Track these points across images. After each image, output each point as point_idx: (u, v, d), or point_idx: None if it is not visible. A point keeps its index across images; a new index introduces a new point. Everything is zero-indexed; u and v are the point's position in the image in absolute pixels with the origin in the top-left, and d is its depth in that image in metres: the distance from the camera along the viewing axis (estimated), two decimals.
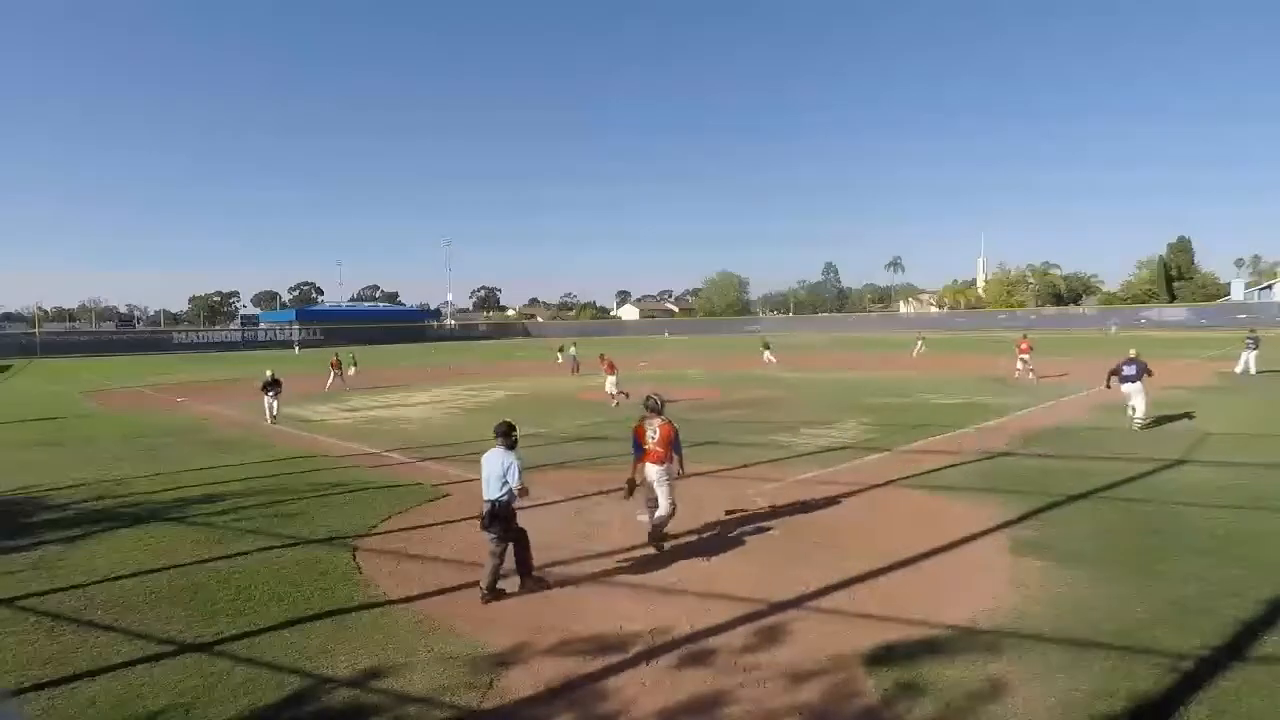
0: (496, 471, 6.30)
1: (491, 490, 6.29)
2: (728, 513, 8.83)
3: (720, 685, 4.72)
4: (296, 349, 68.04)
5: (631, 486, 7.61)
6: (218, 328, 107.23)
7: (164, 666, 5.12)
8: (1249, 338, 24.06)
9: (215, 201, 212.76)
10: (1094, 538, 7.51)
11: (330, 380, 26.90)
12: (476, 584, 6.32)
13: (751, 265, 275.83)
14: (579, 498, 9.73)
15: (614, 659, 5.13)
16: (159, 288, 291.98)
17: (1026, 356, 24.31)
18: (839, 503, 9.28)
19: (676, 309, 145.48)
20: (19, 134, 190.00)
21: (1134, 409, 14.31)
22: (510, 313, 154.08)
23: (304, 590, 6.51)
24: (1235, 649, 5.02)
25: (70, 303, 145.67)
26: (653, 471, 7.45)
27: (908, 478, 10.54)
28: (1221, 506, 8.50)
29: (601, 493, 9.80)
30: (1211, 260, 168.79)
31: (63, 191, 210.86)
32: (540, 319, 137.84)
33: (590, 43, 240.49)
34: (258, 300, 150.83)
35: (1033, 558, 6.92)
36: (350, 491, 10.35)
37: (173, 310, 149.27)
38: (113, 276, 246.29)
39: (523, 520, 6.60)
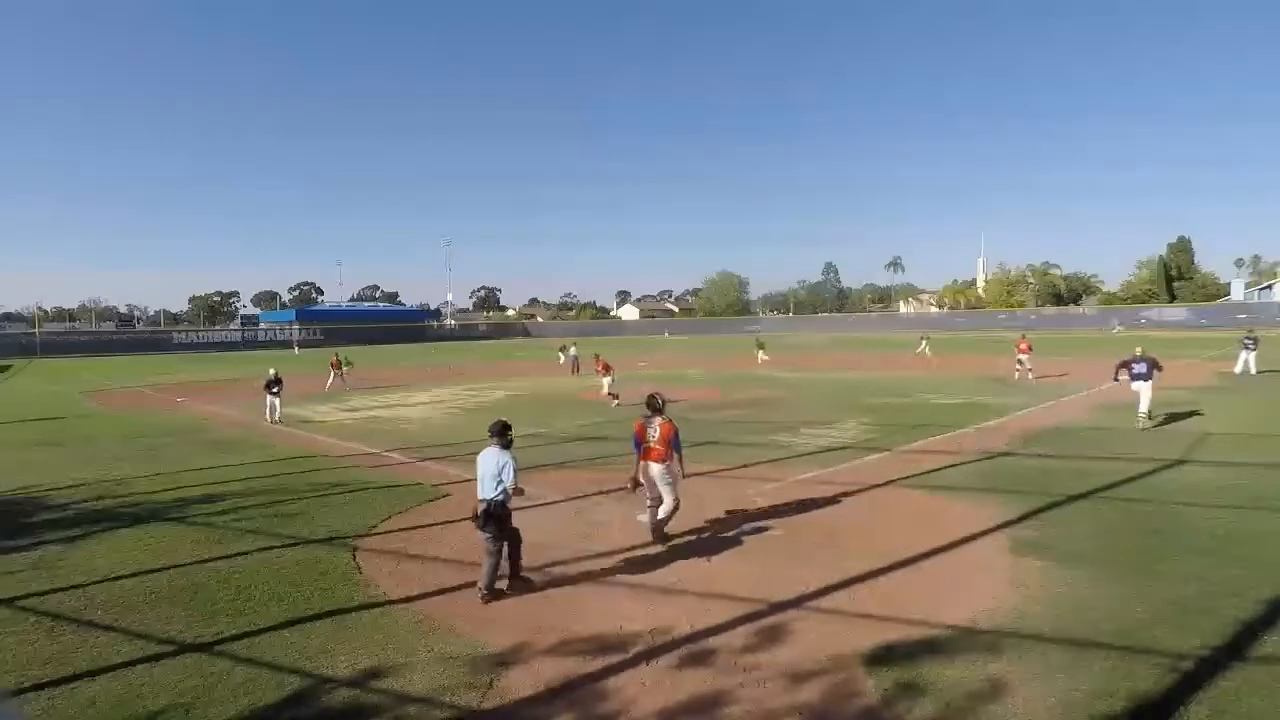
0: (491, 470, 6.30)
1: (486, 490, 6.29)
2: (728, 512, 8.83)
3: (720, 685, 4.72)
4: (296, 349, 68.01)
5: (635, 484, 7.71)
6: (218, 328, 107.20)
7: (164, 666, 5.12)
8: (1246, 338, 24.08)
9: (215, 201, 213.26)
10: (1094, 538, 7.51)
11: (330, 380, 26.90)
12: (476, 584, 6.32)
13: (751, 265, 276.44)
14: (579, 498, 9.73)
15: (614, 659, 5.13)
16: (159, 288, 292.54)
17: (1023, 357, 24.32)
18: (839, 503, 9.29)
19: (676, 309, 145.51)
20: (19, 134, 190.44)
21: (1142, 411, 14.46)
22: (510, 313, 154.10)
23: (304, 590, 6.51)
24: (1235, 649, 5.02)
25: (70, 303, 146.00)
26: (656, 470, 7.54)
27: (908, 478, 10.54)
28: (1221, 506, 8.51)
29: (601, 493, 9.80)
30: (1211, 260, 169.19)
31: (63, 191, 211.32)
32: (540, 319, 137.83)
33: (590, 43, 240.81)
34: (258, 300, 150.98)
35: (1033, 558, 6.93)
36: (350, 491, 10.35)
37: (173, 310, 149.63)
38: (113, 276, 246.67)
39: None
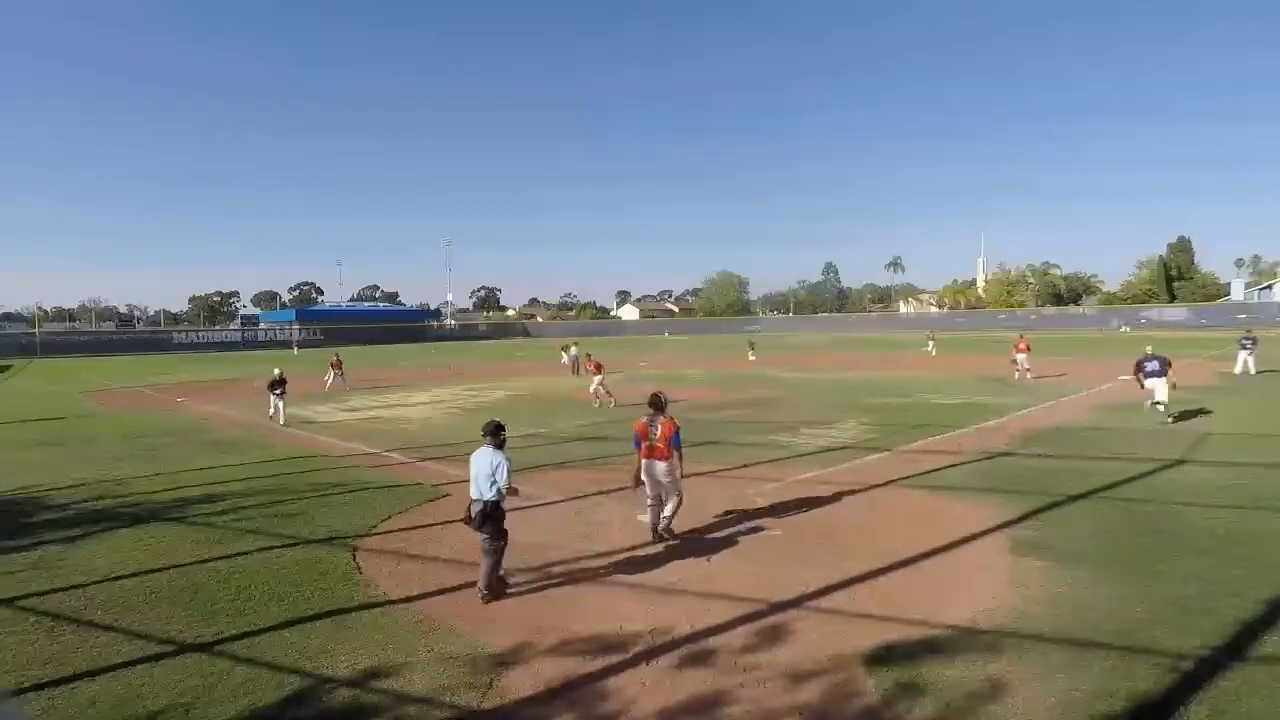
0: (485, 470, 6.29)
1: (482, 490, 6.29)
2: (727, 512, 8.83)
3: (720, 685, 4.72)
4: (295, 349, 67.98)
5: (637, 480, 7.79)
6: (218, 328, 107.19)
7: (164, 666, 5.12)
8: (1244, 339, 24.10)
9: (215, 201, 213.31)
10: (1094, 538, 7.51)
11: (330, 380, 26.90)
12: (475, 584, 6.31)
13: (751, 265, 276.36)
14: (579, 498, 9.73)
15: (614, 659, 5.13)
16: (159, 288, 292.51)
17: (1020, 356, 24.31)
18: (839, 503, 9.29)
19: (676, 309, 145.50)
20: (19, 134, 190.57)
21: (1160, 404, 14.88)
22: (510, 313, 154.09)
23: (304, 590, 6.51)
24: (1235, 649, 5.02)
25: (70, 303, 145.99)
26: (660, 469, 7.62)
27: (908, 478, 10.54)
28: (1221, 506, 8.51)
29: (601, 493, 9.80)
30: (1211, 260, 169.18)
31: (63, 191, 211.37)
32: (540, 319, 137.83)
33: (590, 43, 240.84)
34: (258, 300, 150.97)
35: (1033, 558, 6.93)
36: (350, 491, 10.35)
37: (173, 310, 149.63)
38: (113, 276, 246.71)
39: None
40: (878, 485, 10.14)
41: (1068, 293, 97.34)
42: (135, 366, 47.13)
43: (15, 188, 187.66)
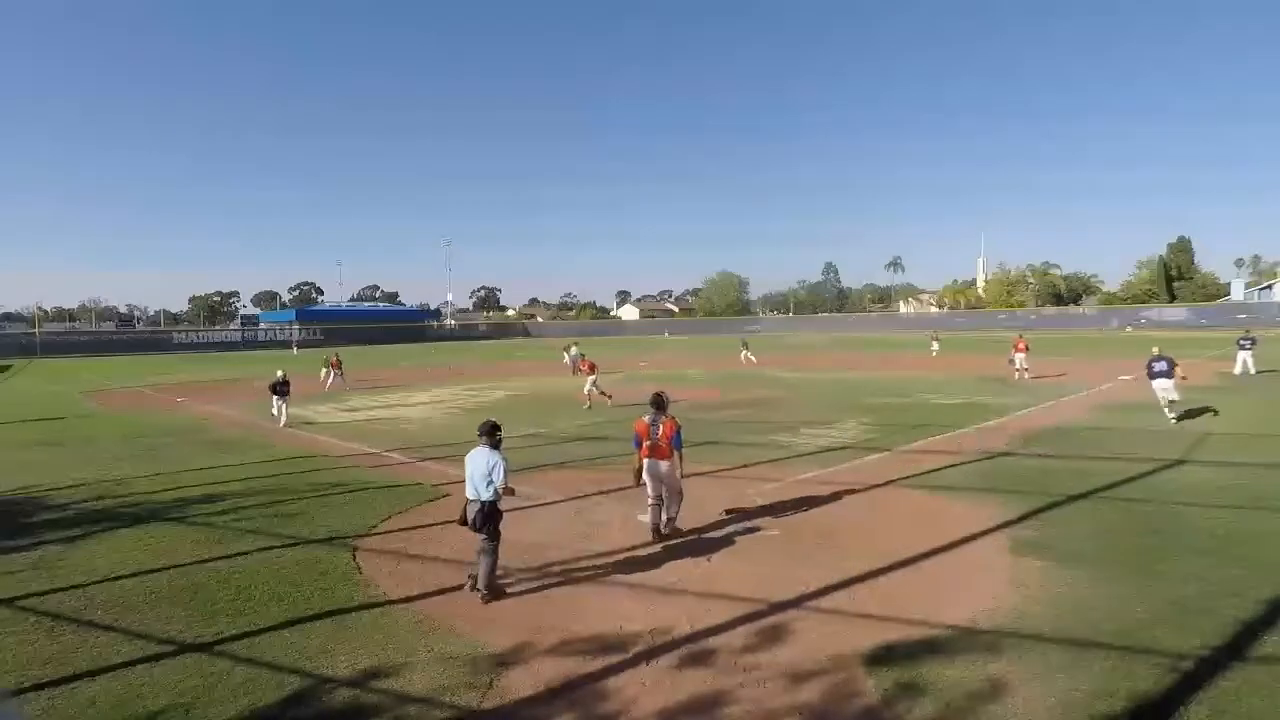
0: (482, 470, 6.29)
1: (479, 491, 6.28)
2: (727, 512, 8.84)
3: (720, 685, 4.72)
4: (295, 349, 67.97)
5: (638, 477, 7.84)
6: (218, 328, 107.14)
7: (164, 666, 5.12)
8: (1242, 339, 24.11)
9: (215, 201, 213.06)
10: (1094, 538, 7.51)
11: (330, 380, 26.91)
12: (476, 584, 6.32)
13: (751, 265, 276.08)
14: (579, 498, 9.73)
15: (614, 659, 5.14)
16: (159, 288, 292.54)
17: (1019, 356, 24.31)
18: (839, 503, 9.29)
19: (676, 309, 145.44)
20: (19, 134, 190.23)
21: (1170, 403, 15.01)
22: (510, 313, 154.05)
23: (304, 590, 6.51)
24: (1235, 649, 5.02)
25: (70, 303, 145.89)
26: (663, 468, 7.70)
27: (908, 478, 10.54)
28: (1221, 506, 8.51)
29: (601, 493, 9.80)
30: (1211, 260, 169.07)
31: (63, 191, 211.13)
32: (540, 319, 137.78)
33: (590, 43, 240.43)
34: (258, 300, 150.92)
35: (1033, 558, 6.93)
36: (350, 491, 10.35)
37: (173, 310, 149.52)
38: (113, 276, 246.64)
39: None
40: (878, 485, 10.14)
41: (1068, 293, 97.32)
42: (135, 366, 47.12)
43: (15, 188, 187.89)
